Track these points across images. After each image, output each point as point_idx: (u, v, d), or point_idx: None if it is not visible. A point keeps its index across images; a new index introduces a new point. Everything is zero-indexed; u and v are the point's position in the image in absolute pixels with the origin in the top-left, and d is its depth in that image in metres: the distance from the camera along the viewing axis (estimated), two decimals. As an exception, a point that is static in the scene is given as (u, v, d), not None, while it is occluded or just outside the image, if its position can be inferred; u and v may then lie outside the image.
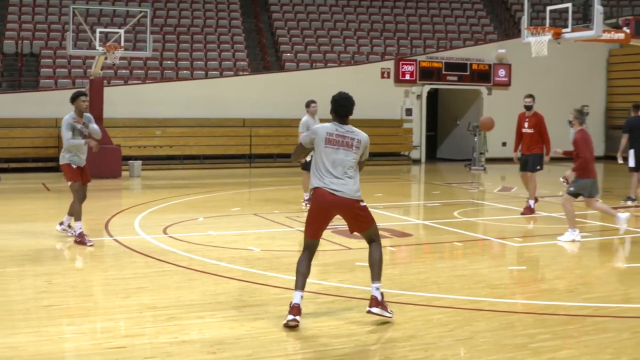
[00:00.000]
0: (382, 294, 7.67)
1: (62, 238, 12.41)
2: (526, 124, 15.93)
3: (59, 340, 7.05)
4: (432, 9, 37.75)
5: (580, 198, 12.82)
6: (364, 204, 7.76)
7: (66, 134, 12.06)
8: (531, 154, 15.86)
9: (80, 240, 11.97)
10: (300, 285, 7.70)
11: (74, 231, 12.26)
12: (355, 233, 8.16)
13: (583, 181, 12.50)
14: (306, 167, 16.75)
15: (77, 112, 12.19)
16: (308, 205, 16.59)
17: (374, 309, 7.52)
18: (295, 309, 7.50)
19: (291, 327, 7.39)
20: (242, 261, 10.61)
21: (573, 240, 12.43)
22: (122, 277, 9.70)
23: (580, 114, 13.09)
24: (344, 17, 35.91)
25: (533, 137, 15.82)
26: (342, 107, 7.81)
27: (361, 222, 7.79)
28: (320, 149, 7.73)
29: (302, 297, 7.66)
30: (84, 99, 12.29)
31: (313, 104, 16.46)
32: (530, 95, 16.09)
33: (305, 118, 16.38)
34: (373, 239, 7.88)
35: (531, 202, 15.95)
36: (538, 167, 15.98)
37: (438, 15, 37.39)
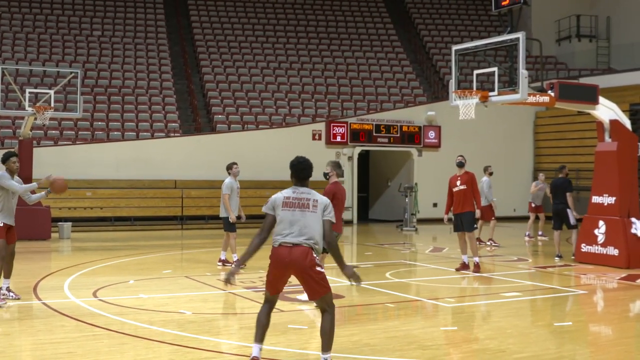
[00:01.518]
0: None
1: (5, 303, 12.19)
2: (458, 182, 16.21)
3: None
4: (362, 72, 38.23)
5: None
6: (321, 269, 7.77)
7: (14, 183, 11.93)
8: (465, 212, 16.08)
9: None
10: (259, 337, 7.87)
11: (14, 294, 12.20)
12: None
13: None
14: (229, 227, 16.86)
15: (8, 172, 12.08)
16: (222, 265, 16.81)
17: None
18: None
19: None
20: (174, 324, 10.49)
21: None
22: (52, 341, 9.51)
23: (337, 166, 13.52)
24: (275, 79, 36.18)
25: (466, 194, 16.08)
26: (300, 170, 7.99)
27: (315, 286, 7.78)
28: (278, 212, 7.86)
29: (260, 349, 7.81)
30: (14, 160, 12.20)
31: (235, 166, 16.95)
32: (462, 155, 16.59)
33: (228, 180, 16.79)
34: (325, 308, 7.88)
35: (476, 259, 16.18)
36: (475, 226, 16.31)
37: (368, 77, 37.87)
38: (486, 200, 21.83)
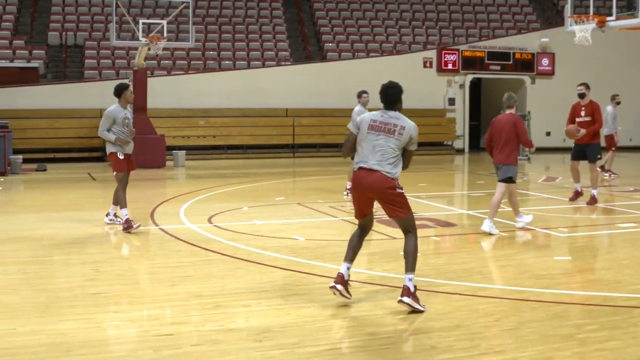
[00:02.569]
0: (415, 286, 7.63)
1: (109, 227, 12.55)
2: (582, 112, 15.52)
3: (106, 328, 7.10)
4: (475, -2, 37.52)
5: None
6: (401, 190, 7.73)
7: (105, 124, 12.22)
8: (590, 143, 15.41)
9: (127, 225, 12.12)
10: (348, 256, 7.93)
11: (121, 219, 12.43)
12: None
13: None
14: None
15: (123, 103, 12.37)
16: (349, 194, 16.65)
17: (405, 299, 7.49)
18: (338, 278, 7.77)
19: (334, 293, 7.73)
20: (287, 250, 10.63)
21: (490, 233, 12.10)
22: (168, 265, 9.76)
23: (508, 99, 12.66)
24: (385, 6, 35.81)
25: (590, 125, 15.38)
26: (387, 95, 7.85)
27: (395, 208, 7.74)
28: (363, 135, 7.79)
29: (348, 268, 7.85)
30: (130, 91, 12.49)
31: (365, 94, 16.43)
32: (583, 84, 15.73)
33: (358, 108, 16.33)
34: (408, 229, 7.85)
35: (594, 191, 15.67)
36: (598, 157, 15.74)
37: (480, 4, 37.15)
38: (608, 130, 21.28)
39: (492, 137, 12.40)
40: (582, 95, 15.51)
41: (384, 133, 7.71)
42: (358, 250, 8.02)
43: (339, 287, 7.74)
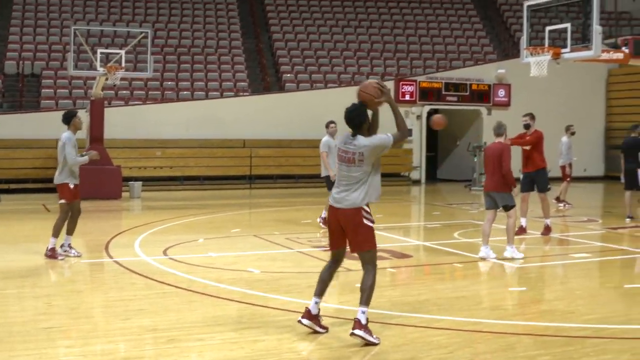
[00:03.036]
0: (367, 318, 7.65)
1: (63, 259, 12.44)
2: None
3: (58, 363, 7.04)
4: (432, 29, 37.87)
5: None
6: (370, 224, 7.77)
7: (71, 152, 12.26)
8: (537, 170, 15.57)
9: (51, 254, 12.31)
10: (317, 291, 8.01)
11: (75, 251, 12.46)
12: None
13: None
14: (331, 186, 16.67)
15: (73, 130, 12.43)
16: (322, 224, 16.66)
17: (357, 331, 7.52)
18: (305, 312, 7.88)
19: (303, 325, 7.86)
20: (242, 283, 10.60)
21: (512, 258, 12.53)
22: (122, 298, 9.69)
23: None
24: (344, 37, 36.03)
25: (533, 154, 15.61)
26: (350, 119, 7.86)
27: (361, 240, 7.78)
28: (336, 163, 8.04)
29: (316, 302, 7.92)
30: (79, 117, 12.65)
31: (332, 124, 16.52)
32: (528, 114, 16.00)
33: (326, 138, 16.43)
34: (369, 263, 7.89)
35: (547, 221, 15.85)
36: (549, 187, 15.91)
37: (438, 35, 37.51)
38: (563, 161, 21.54)
39: (484, 165, 12.83)
40: (527, 126, 15.78)
41: (345, 163, 7.80)
42: (328, 284, 8.09)
43: (305, 321, 7.81)
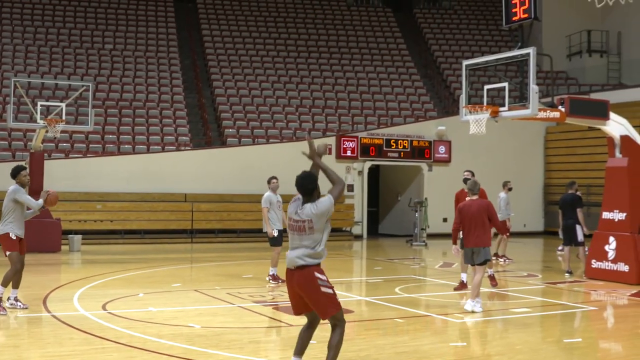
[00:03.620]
0: None
1: (6, 315, 12.24)
2: (467, 199, 15.93)
3: (-7, 421, 6.89)
4: (373, 86, 38.26)
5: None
6: (328, 290, 7.85)
7: (32, 199, 12.26)
8: None
9: None
10: (297, 350, 8.12)
11: (22, 303, 12.34)
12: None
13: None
14: (274, 242, 16.63)
15: (20, 185, 12.38)
16: (271, 280, 16.57)
17: None
18: None
19: None
20: (182, 338, 10.49)
21: (473, 311, 12.72)
22: (60, 354, 9.53)
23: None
24: (286, 92, 36.24)
25: None
26: (302, 186, 8.02)
27: (321, 307, 7.86)
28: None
29: None
30: (25, 173, 12.60)
31: (274, 180, 16.65)
32: (469, 170, 16.33)
33: (267, 194, 16.51)
34: (336, 324, 7.97)
35: (490, 271, 16.23)
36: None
37: (379, 92, 37.90)
38: (501, 216, 21.76)
39: (462, 222, 13.08)
40: (466, 181, 15.93)
41: (297, 232, 7.90)
42: (307, 343, 8.15)
43: None
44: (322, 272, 7.84)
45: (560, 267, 20.58)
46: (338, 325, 7.90)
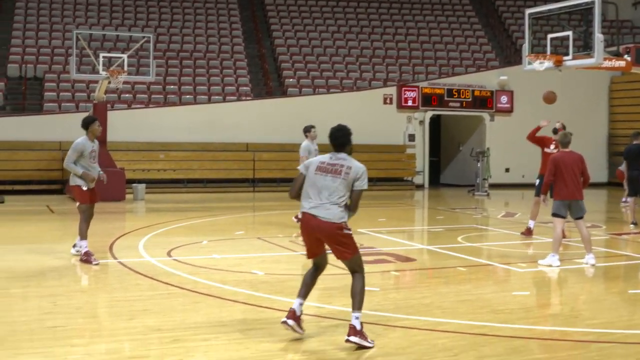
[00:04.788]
0: (361, 323, 7.64)
1: (67, 259, 12.45)
2: (552, 146, 15.91)
3: (64, 362, 7.04)
4: (434, 36, 37.90)
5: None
6: (349, 232, 7.77)
7: (71, 156, 12.22)
8: None
9: (86, 259, 12.13)
10: (301, 293, 7.99)
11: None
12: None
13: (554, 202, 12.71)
14: None
15: (91, 136, 12.40)
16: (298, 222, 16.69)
17: (352, 338, 7.53)
18: (290, 313, 7.85)
19: (286, 328, 7.81)
20: (246, 284, 10.60)
21: (550, 265, 12.46)
22: (127, 299, 9.69)
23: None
24: (346, 43, 36.06)
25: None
26: (336, 138, 7.96)
27: (342, 249, 7.78)
28: (311, 176, 7.88)
29: (300, 304, 7.91)
30: (98, 124, 12.50)
31: (313, 129, 16.64)
32: (560, 121, 16.25)
33: (305, 143, 16.53)
34: (355, 269, 7.88)
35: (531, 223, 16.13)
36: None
37: (440, 42, 37.53)
38: None
39: (556, 174, 12.64)
40: (556, 131, 15.84)
41: (330, 174, 7.81)
42: (311, 287, 8.07)
43: (290, 322, 7.79)
44: (345, 217, 7.80)
45: (624, 218, 20.34)
46: (358, 272, 7.84)
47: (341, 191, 7.75)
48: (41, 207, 21.44)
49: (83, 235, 12.39)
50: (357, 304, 7.71)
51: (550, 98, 15.93)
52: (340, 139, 7.94)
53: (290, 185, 8.15)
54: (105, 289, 10.71)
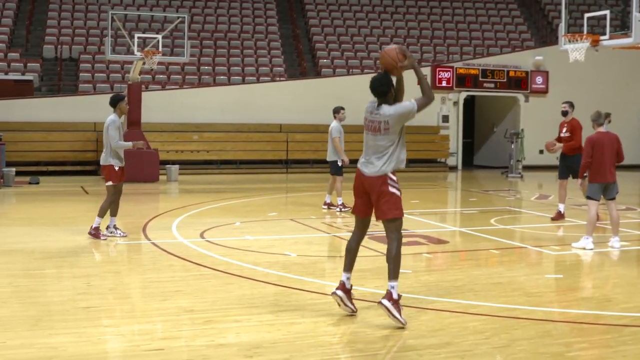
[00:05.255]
0: (398, 294, 7.65)
1: (100, 240, 12.56)
2: (564, 129, 15.85)
3: (97, 342, 7.10)
4: (469, 16, 37.67)
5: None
6: (395, 191, 7.76)
7: (115, 136, 12.42)
8: (574, 155, 15.43)
9: (95, 233, 12.58)
10: (347, 266, 8.02)
11: (121, 231, 12.74)
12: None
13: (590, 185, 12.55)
14: (336, 171, 16.77)
15: (119, 114, 12.62)
16: (328, 209, 16.78)
17: (385, 302, 7.55)
18: (340, 285, 7.96)
19: (336, 301, 7.96)
20: (278, 266, 10.63)
21: (584, 248, 12.36)
22: (160, 280, 9.76)
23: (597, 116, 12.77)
24: (380, 23, 35.94)
25: (568, 141, 15.64)
26: (374, 89, 7.91)
27: (385, 208, 7.75)
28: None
29: (348, 278, 7.95)
30: (126, 102, 12.78)
31: (342, 111, 16.69)
32: (568, 102, 16.04)
33: (336, 123, 16.57)
34: (392, 231, 7.83)
35: (561, 206, 16.03)
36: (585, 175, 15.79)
37: (475, 22, 37.30)
38: None
39: (593, 155, 12.41)
40: (565, 113, 15.83)
41: (371, 132, 7.87)
42: (356, 255, 8.07)
43: (339, 292, 7.84)
44: (394, 174, 7.79)
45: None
46: (394, 236, 7.77)
47: (383, 146, 7.77)
48: (76, 188, 21.61)
49: (102, 213, 12.68)
50: (392, 272, 7.68)
51: (548, 146, 15.88)
52: (379, 88, 7.86)
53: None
54: (138, 269, 10.79)
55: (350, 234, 8.24)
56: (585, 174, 12.79)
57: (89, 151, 25.92)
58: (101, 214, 12.68)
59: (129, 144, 12.76)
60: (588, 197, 12.58)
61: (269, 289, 9.26)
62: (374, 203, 7.83)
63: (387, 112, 7.76)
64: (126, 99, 13.02)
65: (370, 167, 7.79)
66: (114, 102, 12.70)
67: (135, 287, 9.63)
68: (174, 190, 22.20)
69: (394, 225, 7.83)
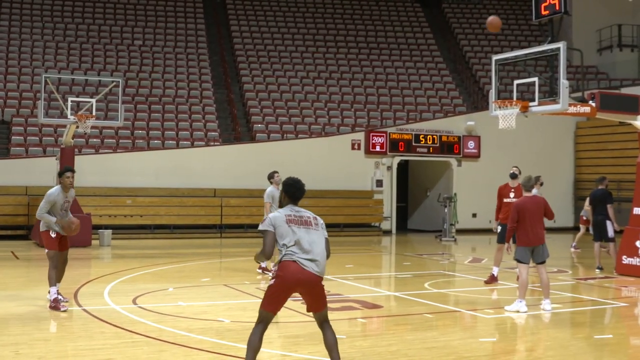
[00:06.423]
0: None
1: (31, 307, 12.32)
2: (512, 194, 16.01)
3: (26, 413, 6.95)
4: (402, 81, 38.22)
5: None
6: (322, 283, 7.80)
7: (41, 207, 12.20)
8: None
9: (54, 305, 12.14)
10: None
11: (62, 297, 12.57)
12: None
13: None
14: None
15: (62, 187, 12.41)
16: (262, 273, 16.72)
17: None
18: None
19: None
20: (212, 332, 10.53)
21: (517, 311, 12.51)
22: (91, 347, 9.59)
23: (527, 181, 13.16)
24: (314, 88, 36.28)
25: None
26: (299, 190, 7.93)
27: (321, 301, 7.78)
28: (284, 229, 7.71)
29: None
30: (69, 175, 12.52)
31: (276, 175, 16.68)
32: (516, 166, 16.43)
33: (270, 188, 16.59)
34: (327, 319, 7.89)
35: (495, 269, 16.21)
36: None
37: (408, 87, 37.85)
38: None
39: (519, 219, 12.68)
40: (514, 176, 16.06)
41: (304, 226, 7.74)
42: (258, 352, 7.77)
43: None
44: None
45: (586, 262, 20.45)
46: (328, 321, 7.86)
47: (318, 242, 7.73)
48: (6, 253, 21.23)
49: (52, 282, 12.33)
50: (337, 356, 7.69)
51: (494, 24, 16.09)
52: (299, 191, 7.92)
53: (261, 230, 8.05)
54: (69, 337, 10.59)
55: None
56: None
57: (20, 215, 25.51)
58: (51, 283, 12.35)
59: (53, 219, 12.39)
60: (517, 260, 12.79)
61: (202, 356, 9.16)
62: (311, 298, 7.77)
63: (311, 213, 7.90)
64: (69, 173, 12.70)
65: (319, 266, 7.67)
66: (60, 173, 12.63)
67: (65, 356, 9.43)
68: (107, 255, 21.93)
69: (326, 312, 7.89)
